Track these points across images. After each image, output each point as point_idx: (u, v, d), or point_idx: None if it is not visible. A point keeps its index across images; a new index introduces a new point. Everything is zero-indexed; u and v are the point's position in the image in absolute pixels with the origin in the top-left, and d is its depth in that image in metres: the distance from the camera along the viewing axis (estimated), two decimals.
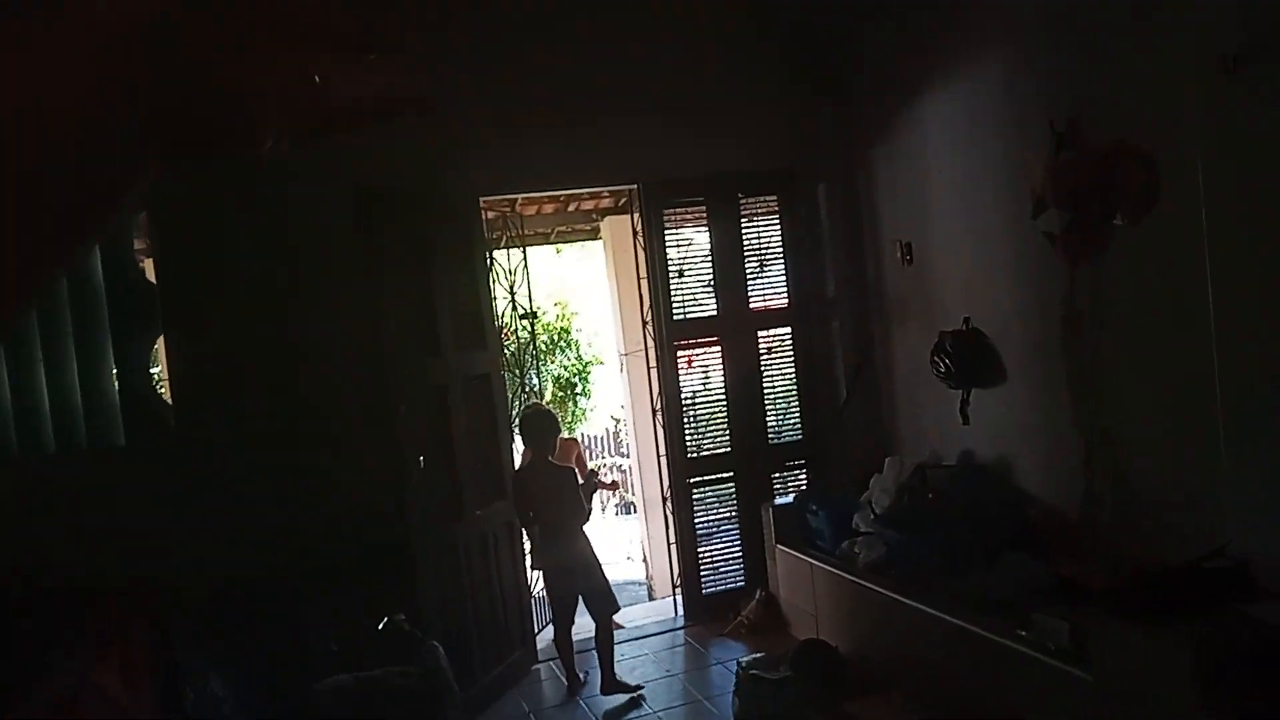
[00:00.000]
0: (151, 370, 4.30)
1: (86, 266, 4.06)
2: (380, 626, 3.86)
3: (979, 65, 4.10)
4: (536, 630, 5.04)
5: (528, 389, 6.51)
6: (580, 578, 4.34)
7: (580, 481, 4.43)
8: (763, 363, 5.29)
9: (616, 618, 5.09)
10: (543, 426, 4.47)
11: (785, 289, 5.30)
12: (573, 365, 9.61)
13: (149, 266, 4.28)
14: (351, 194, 4.02)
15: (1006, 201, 3.99)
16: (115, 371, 4.13)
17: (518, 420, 4.67)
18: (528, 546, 5.21)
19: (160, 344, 4.27)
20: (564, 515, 4.33)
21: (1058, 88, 3.65)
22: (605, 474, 4.52)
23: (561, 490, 4.34)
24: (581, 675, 4.52)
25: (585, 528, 4.40)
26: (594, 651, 4.41)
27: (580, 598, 4.39)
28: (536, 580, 5.33)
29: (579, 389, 9.68)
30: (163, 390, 4.33)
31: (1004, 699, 3.35)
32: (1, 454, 3.98)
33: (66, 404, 4.06)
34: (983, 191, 4.17)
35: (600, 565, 4.43)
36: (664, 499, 5.24)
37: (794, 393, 5.35)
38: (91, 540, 3.89)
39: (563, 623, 4.44)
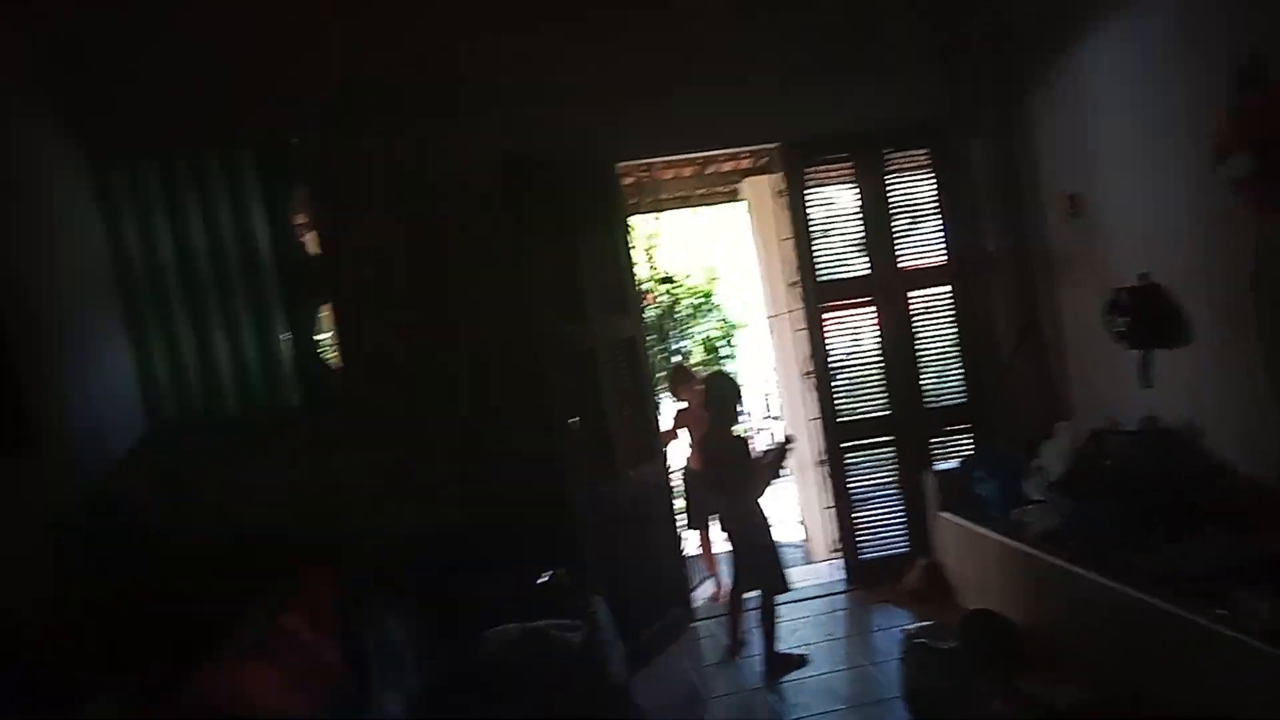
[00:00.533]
0: (318, 338, 4.47)
1: (256, 243, 4.27)
2: (543, 580, 3.93)
3: None
4: (692, 589, 5.03)
5: (671, 352, 6.50)
6: (750, 550, 4.26)
7: (756, 453, 4.31)
8: (919, 323, 5.07)
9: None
10: (722, 393, 4.35)
11: (942, 246, 5.06)
12: (719, 328, 9.54)
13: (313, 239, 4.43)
14: (500, 161, 4.06)
15: (1186, 147, 3.65)
16: (286, 340, 4.33)
17: (704, 386, 4.58)
18: (680, 505, 5.23)
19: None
20: (737, 486, 4.25)
21: (1241, 21, 3.31)
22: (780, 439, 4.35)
23: (736, 459, 4.25)
24: (742, 638, 4.47)
25: (761, 501, 4.27)
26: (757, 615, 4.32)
27: (750, 568, 4.30)
28: (690, 541, 5.34)
29: (725, 353, 9.61)
30: (330, 358, 4.50)
31: (1197, 682, 3.11)
32: (190, 416, 4.24)
33: (246, 371, 4.29)
34: (1158, 137, 3.84)
35: (773, 543, 4.30)
36: (819, 463, 5.12)
37: (955, 354, 5.10)
38: (271, 497, 4.11)
39: (737, 585, 4.39)
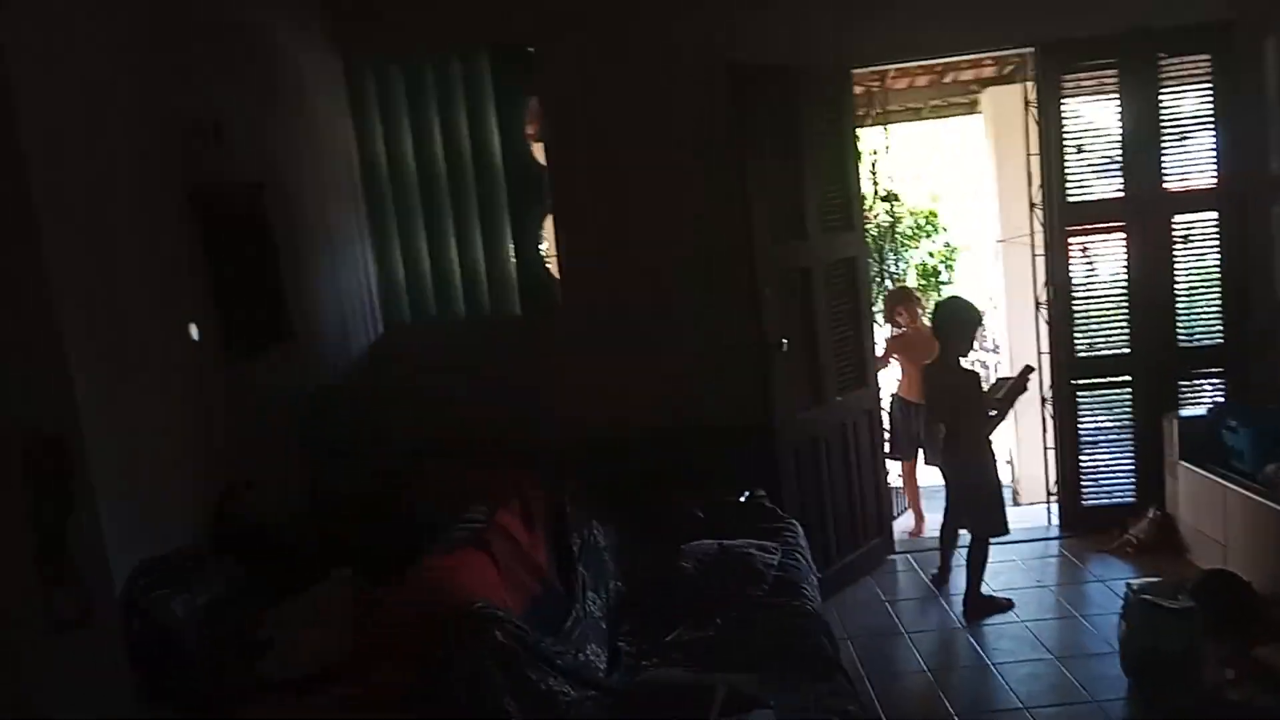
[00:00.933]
0: (541, 247, 4.63)
1: (489, 151, 4.45)
2: (743, 500, 3.97)
3: None
4: (893, 519, 4.92)
5: (889, 274, 6.24)
6: (969, 488, 4.10)
7: (990, 386, 4.09)
8: (1177, 252, 4.56)
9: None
10: (961, 319, 4.11)
11: (1213, 166, 4.48)
12: (939, 252, 9.05)
13: (539, 149, 4.55)
14: (726, 70, 3.96)
15: None
16: (512, 247, 4.52)
17: (934, 313, 4.38)
18: (887, 434, 5.08)
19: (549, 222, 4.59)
20: (963, 421, 4.05)
21: None
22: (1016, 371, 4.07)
23: (966, 393, 4.05)
24: (950, 567, 4.33)
25: (990, 439, 4.07)
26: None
27: (970, 509, 4.13)
28: (893, 472, 5.21)
29: (944, 277, 9.13)
30: (550, 265, 4.66)
31: None
32: (422, 316, 4.55)
33: (474, 276, 4.53)
34: None
35: (996, 482, 4.12)
36: (1043, 400, 4.80)
37: (1216, 288, 4.56)
38: (491, 399, 4.37)
39: (950, 519, 4.28)
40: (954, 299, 4.41)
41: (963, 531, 4.22)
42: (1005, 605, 4.05)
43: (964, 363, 4.16)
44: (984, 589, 4.10)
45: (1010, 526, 4.17)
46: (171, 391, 2.77)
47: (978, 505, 4.09)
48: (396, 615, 2.40)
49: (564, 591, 2.96)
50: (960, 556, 4.22)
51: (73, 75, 2.44)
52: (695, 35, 4.34)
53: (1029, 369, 4.18)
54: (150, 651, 2.24)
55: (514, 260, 4.54)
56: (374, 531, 3.00)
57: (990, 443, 4.08)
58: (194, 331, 2.92)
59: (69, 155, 2.38)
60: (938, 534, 4.43)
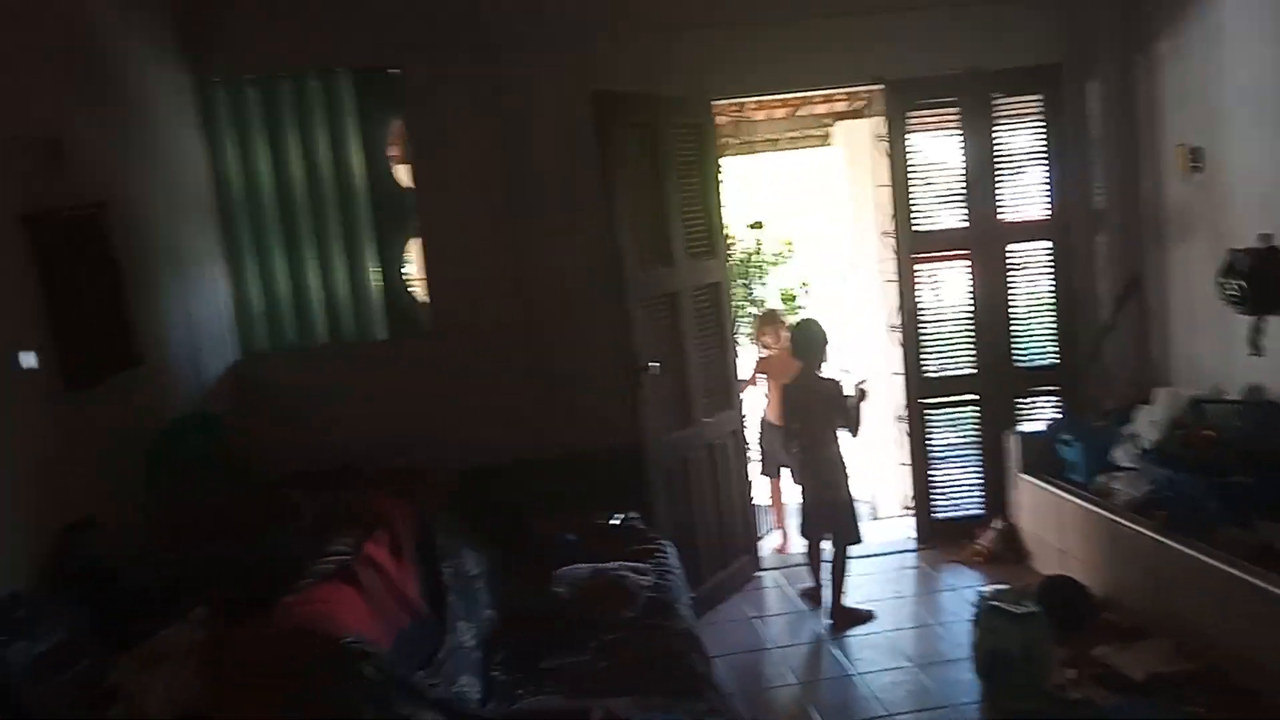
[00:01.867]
0: (406, 271, 4.55)
1: (351, 173, 4.34)
2: (615, 522, 3.98)
3: None
4: (759, 538, 5.04)
5: (753, 300, 6.42)
6: (828, 499, 4.26)
7: (847, 394, 4.27)
8: (1014, 279, 4.89)
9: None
10: (814, 338, 4.35)
11: (1045, 199, 4.84)
12: (796, 278, 9.39)
13: (404, 172, 4.48)
14: (591, 98, 4.01)
15: None
16: (377, 271, 4.41)
17: (791, 333, 4.56)
18: (755, 455, 5.21)
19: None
20: (822, 428, 4.24)
21: None
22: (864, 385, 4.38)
23: (831, 398, 4.25)
24: (822, 583, 4.41)
25: (843, 451, 4.28)
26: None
27: (828, 516, 4.30)
28: (761, 490, 5.34)
29: (801, 303, 9.47)
30: (417, 288, 4.58)
31: None
32: (281, 343, 4.38)
33: (336, 299, 4.40)
34: None
35: (850, 494, 4.31)
36: (896, 419, 5.04)
37: (1050, 313, 4.92)
38: (358, 425, 4.25)
39: (813, 534, 4.39)
40: (806, 321, 4.62)
41: (825, 545, 4.37)
42: (866, 617, 4.21)
43: (823, 373, 4.35)
44: (847, 601, 4.25)
45: (867, 539, 4.36)
46: (2, 424, 2.56)
47: (838, 514, 4.26)
48: (258, 655, 2.28)
49: (435, 622, 2.90)
50: (825, 571, 4.36)
51: None
52: (562, 63, 4.38)
53: (864, 381, 4.40)
54: None
55: (379, 284, 4.44)
56: (233, 568, 2.85)
57: (842, 454, 4.28)
58: (27, 360, 2.72)
59: None
60: (804, 554, 4.54)
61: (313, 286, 4.39)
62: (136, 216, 3.51)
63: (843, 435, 4.27)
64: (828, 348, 4.36)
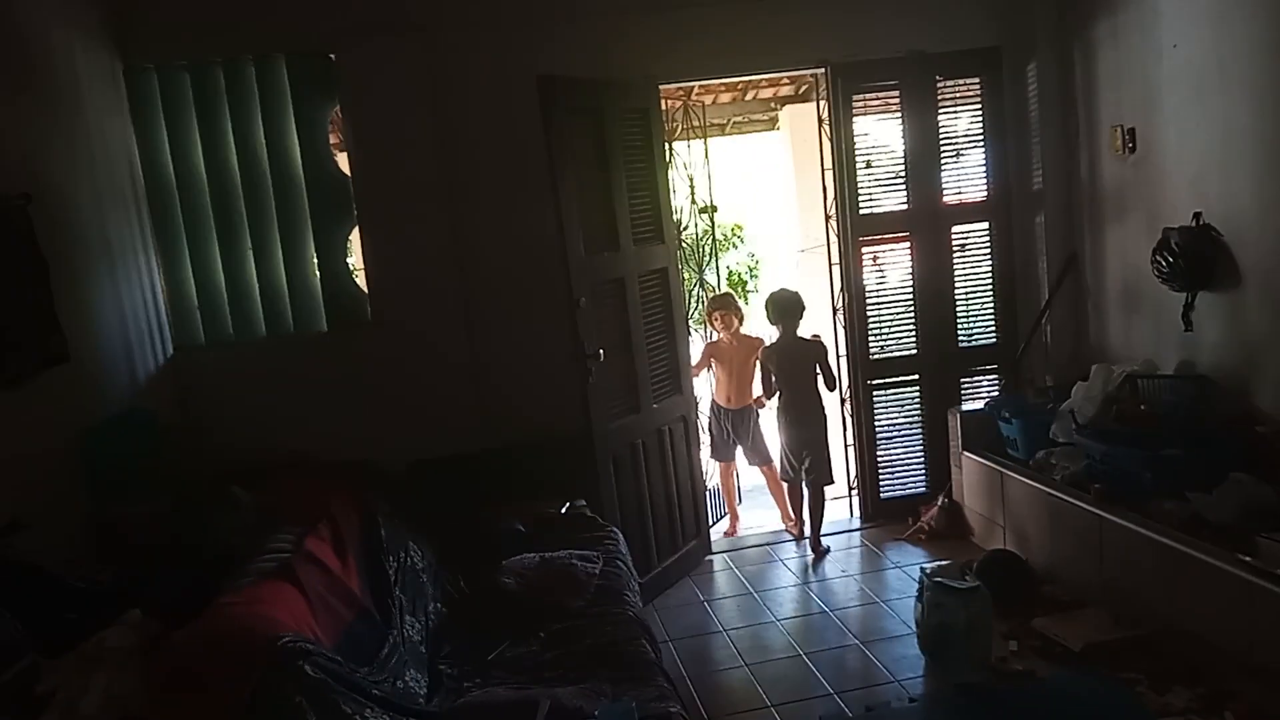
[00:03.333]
0: (347, 261, 4.47)
1: (289, 161, 4.25)
2: (563, 510, 3.98)
3: None
4: (711, 523, 5.07)
5: (704, 284, 6.42)
6: (809, 443, 4.74)
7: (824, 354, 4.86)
8: (955, 260, 4.96)
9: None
10: (791, 302, 4.82)
11: (985, 181, 4.91)
12: (745, 261, 9.44)
13: (343, 160, 4.40)
14: (535, 82, 3.96)
15: (1256, 80, 3.51)
16: (316, 261, 4.33)
17: (767, 301, 4.94)
18: (705, 440, 5.24)
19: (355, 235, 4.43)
20: (807, 382, 4.76)
21: None
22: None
23: (817, 353, 4.78)
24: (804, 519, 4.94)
25: (825, 404, 4.85)
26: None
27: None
28: (711, 475, 5.37)
29: (749, 285, 9.53)
30: (357, 278, 4.51)
31: (1219, 626, 3.12)
32: (218, 337, 4.28)
33: (274, 291, 4.31)
34: (1226, 69, 3.68)
35: (827, 440, 4.83)
36: (841, 400, 5.09)
37: (989, 293, 5.00)
38: (299, 420, 4.18)
39: (793, 478, 4.88)
40: (781, 290, 4.96)
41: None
42: (827, 551, 4.79)
43: (802, 335, 4.84)
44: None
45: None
46: None
47: (820, 455, 4.76)
48: (197, 657, 2.24)
49: (379, 618, 2.87)
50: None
51: None
52: (505, 47, 4.32)
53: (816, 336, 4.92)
54: None
55: (319, 274, 4.36)
56: (168, 568, 2.79)
57: (822, 407, 4.83)
58: None
59: None
60: (786, 495, 5.10)
61: (249, 278, 4.29)
62: (63, 207, 3.40)
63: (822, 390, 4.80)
64: (802, 308, 4.83)
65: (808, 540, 4.86)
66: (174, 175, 4.20)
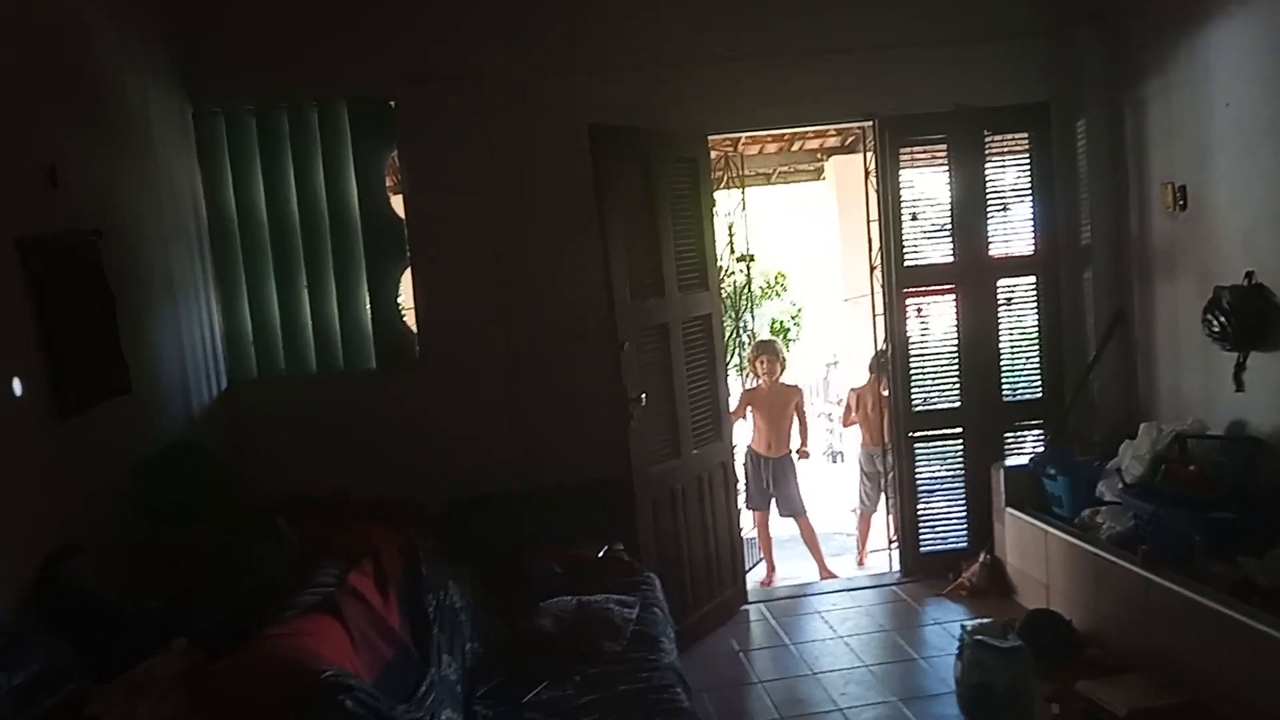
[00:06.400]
0: (398, 301, 4.57)
1: (346, 203, 4.38)
2: (600, 554, 3.99)
3: None
4: (746, 571, 5.04)
5: (745, 330, 6.47)
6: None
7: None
8: (1001, 314, 4.93)
9: (831, 567, 5.37)
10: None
11: (1032, 235, 4.90)
12: (787, 309, 9.46)
13: (398, 202, 4.52)
14: (586, 130, 4.05)
15: None
16: (368, 300, 4.44)
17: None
18: (741, 486, 5.26)
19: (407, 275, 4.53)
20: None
21: None
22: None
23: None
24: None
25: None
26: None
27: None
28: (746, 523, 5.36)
29: (791, 334, 9.53)
30: (407, 318, 4.60)
31: (1268, 694, 3.03)
32: (270, 372, 4.39)
33: (327, 328, 4.41)
34: (1277, 130, 3.65)
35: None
36: (884, 451, 5.06)
37: (1035, 347, 4.96)
38: (344, 454, 4.25)
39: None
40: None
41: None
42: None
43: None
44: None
45: (855, 572, 4.44)
46: None
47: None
48: (240, 687, 2.28)
49: (418, 655, 2.89)
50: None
51: None
52: (557, 96, 4.44)
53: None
54: None
55: (370, 313, 4.46)
56: (214, 598, 2.85)
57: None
58: (17, 386, 2.73)
59: None
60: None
61: (304, 315, 4.41)
62: (131, 243, 3.54)
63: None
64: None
65: (819, 570, 5.36)
66: (235, 214, 4.35)
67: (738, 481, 5.08)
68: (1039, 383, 4.97)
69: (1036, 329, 4.95)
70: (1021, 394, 5.00)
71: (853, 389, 5.78)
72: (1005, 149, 4.90)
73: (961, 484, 4.97)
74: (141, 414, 3.47)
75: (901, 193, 4.85)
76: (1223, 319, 3.88)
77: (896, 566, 5.07)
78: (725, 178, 6.90)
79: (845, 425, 6.10)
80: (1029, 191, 4.88)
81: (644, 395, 4.15)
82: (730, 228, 6.28)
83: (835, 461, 8.64)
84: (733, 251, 6.38)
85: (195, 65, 4.23)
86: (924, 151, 4.90)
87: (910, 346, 4.93)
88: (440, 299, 4.47)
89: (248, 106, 4.32)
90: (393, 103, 4.39)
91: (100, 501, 3.12)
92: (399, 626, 2.89)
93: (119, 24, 3.70)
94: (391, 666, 2.69)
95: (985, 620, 3.73)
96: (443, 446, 4.35)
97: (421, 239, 4.44)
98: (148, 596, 2.93)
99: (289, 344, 4.41)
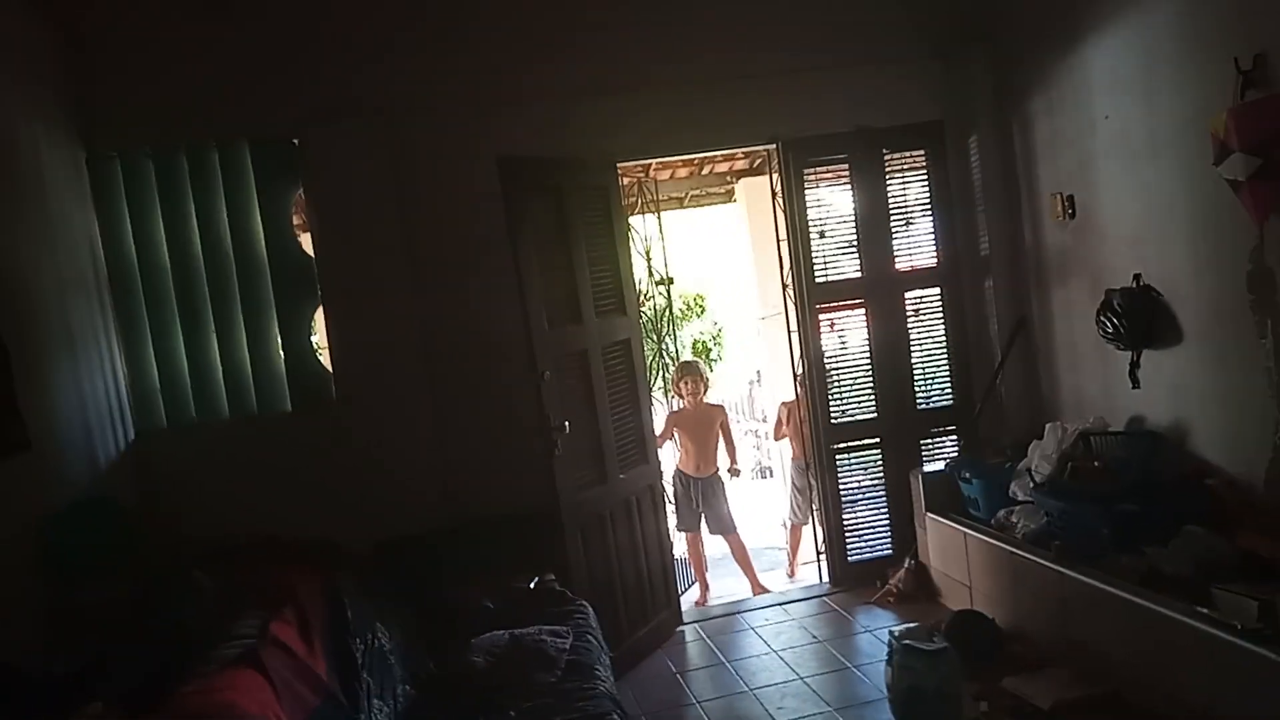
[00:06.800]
0: (311, 340, 4.48)
1: (252, 244, 4.29)
2: (531, 585, 3.96)
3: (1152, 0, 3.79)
4: (680, 592, 5.06)
5: (667, 354, 6.52)
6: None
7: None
8: (910, 325, 5.09)
9: (763, 582, 5.45)
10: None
11: (934, 248, 5.08)
12: (708, 330, 9.58)
13: (306, 240, 4.45)
14: (496, 162, 4.07)
15: (1184, 148, 3.69)
16: (280, 341, 4.35)
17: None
18: (671, 509, 5.29)
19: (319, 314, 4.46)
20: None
21: (1242, 21, 3.33)
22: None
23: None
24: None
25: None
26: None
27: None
28: (677, 545, 5.38)
29: (713, 353, 9.65)
30: (322, 357, 4.52)
31: (1180, 679, 3.16)
32: (180, 420, 4.26)
33: (237, 372, 4.30)
34: (1156, 138, 3.87)
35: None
36: (806, 465, 5.15)
37: (944, 356, 5.13)
38: (262, 500, 4.14)
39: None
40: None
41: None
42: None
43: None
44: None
45: (785, 586, 4.48)
46: None
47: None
48: None
49: (346, 702, 2.82)
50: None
51: None
52: (466, 129, 4.44)
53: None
54: None
55: (283, 355, 4.36)
56: (128, 656, 2.74)
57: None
58: None
59: None
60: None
61: (213, 360, 4.29)
62: (24, 294, 3.41)
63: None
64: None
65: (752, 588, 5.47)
66: (136, 260, 4.22)
67: (667, 504, 5.10)
68: (950, 390, 5.13)
69: (944, 338, 5.12)
70: (934, 402, 5.15)
71: (783, 403, 5.87)
72: (905, 166, 5.08)
73: (883, 492, 5.09)
74: (43, 470, 3.33)
75: (808, 211, 4.98)
76: (1115, 320, 4.07)
77: (826, 578, 5.15)
78: (639, 203, 6.99)
79: (776, 439, 6.19)
80: (929, 206, 5.06)
81: (567, 423, 4.15)
82: (648, 252, 6.35)
83: (764, 477, 8.75)
84: (651, 275, 6.45)
85: (88, 109, 4.12)
86: (828, 171, 5.04)
87: (825, 360, 5.05)
88: (356, 337, 4.40)
89: (144, 149, 4.21)
90: (296, 140, 4.33)
91: (2, 563, 2.98)
92: (325, 674, 2.82)
93: (6, 72, 3.57)
94: (318, 716, 2.62)
95: (912, 625, 3.80)
96: (365, 486, 4.27)
97: (333, 277, 4.37)
98: (60, 659, 2.80)
99: (199, 390, 4.28)
